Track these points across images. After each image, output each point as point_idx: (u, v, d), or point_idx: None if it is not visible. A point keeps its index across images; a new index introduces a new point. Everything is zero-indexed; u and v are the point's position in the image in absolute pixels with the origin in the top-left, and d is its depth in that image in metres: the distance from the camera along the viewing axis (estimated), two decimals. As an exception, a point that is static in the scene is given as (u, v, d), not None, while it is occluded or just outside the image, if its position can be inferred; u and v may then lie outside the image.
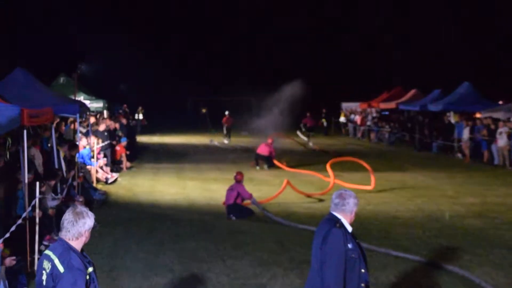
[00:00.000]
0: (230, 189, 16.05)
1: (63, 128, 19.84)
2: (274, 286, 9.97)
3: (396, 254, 11.77)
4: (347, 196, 5.99)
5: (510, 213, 16.25)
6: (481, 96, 32.91)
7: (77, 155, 17.35)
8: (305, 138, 41.11)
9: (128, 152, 25.65)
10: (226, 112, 43.57)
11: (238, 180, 16.20)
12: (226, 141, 40.56)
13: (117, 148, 24.78)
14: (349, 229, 5.92)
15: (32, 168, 12.93)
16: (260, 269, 10.83)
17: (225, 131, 41.87)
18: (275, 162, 25.96)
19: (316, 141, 40.22)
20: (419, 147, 34.73)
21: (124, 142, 25.31)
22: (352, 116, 47.08)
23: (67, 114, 17.11)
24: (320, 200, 18.10)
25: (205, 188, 20.43)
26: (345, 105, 51.81)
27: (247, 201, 16.09)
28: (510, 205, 17.44)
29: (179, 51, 70.35)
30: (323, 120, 48.12)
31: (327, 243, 5.78)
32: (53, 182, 13.25)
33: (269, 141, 26.49)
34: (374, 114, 44.79)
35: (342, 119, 49.03)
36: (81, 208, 5.37)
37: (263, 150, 25.96)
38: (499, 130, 26.96)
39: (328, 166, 21.65)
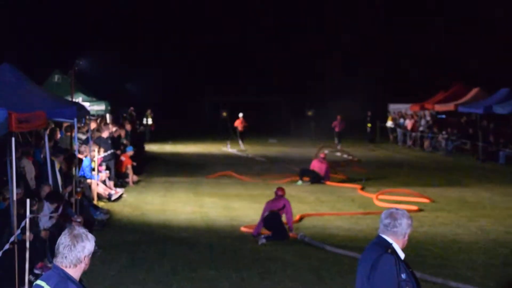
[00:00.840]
0: (272, 204, 16.05)
1: (58, 135, 20.01)
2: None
3: (456, 286, 11.66)
4: (400, 215, 5.93)
5: None
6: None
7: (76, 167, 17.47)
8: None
9: (134, 164, 25.77)
10: (240, 115, 45.12)
11: (280, 196, 16.22)
12: (242, 147, 41.60)
13: (122, 158, 24.91)
14: (402, 255, 5.86)
15: (22, 182, 13.06)
16: (292, 303, 10.81)
17: (238, 136, 43.34)
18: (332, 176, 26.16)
19: (357, 150, 40.05)
20: (483, 157, 34.43)
21: (130, 151, 25.43)
22: (402, 120, 46.84)
23: (62, 119, 17.24)
24: (364, 216, 18.01)
25: (226, 206, 20.44)
26: (393, 107, 51.54)
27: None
28: None
29: (195, 44, 70.62)
30: (368, 124, 47.95)
31: (376, 273, 5.71)
32: (55, 206, 13.36)
33: (322, 155, 26.50)
34: (428, 118, 44.46)
35: (389, 123, 48.81)
36: (80, 230, 5.38)
37: (317, 167, 25.82)
38: None
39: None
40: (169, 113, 61.04)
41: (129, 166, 25.12)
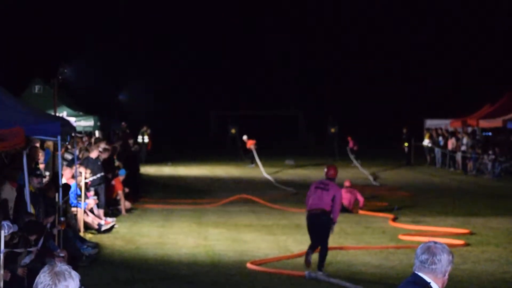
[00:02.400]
0: (321, 187, 16.07)
1: (39, 154, 20.05)
2: None
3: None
4: (439, 250, 5.90)
5: None
6: None
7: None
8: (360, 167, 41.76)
9: (127, 190, 25.82)
10: (245, 137, 46.27)
11: (331, 176, 16.26)
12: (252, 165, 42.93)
13: (113, 183, 24.96)
14: None
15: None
16: None
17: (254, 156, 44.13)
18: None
19: (388, 174, 40.01)
20: (537, 182, 34.35)
21: (122, 175, 25.46)
22: (441, 138, 46.75)
23: (44, 137, 17.29)
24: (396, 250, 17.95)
25: (234, 239, 20.43)
26: (430, 123, 51.46)
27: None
28: None
29: (198, 50, 70.74)
30: (405, 144, 47.78)
31: None
32: (34, 238, 13.38)
33: (347, 183, 26.16)
34: (472, 136, 44.40)
35: (426, 142, 48.71)
36: (62, 267, 5.36)
37: (344, 199, 25.38)
38: None
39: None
40: (169, 130, 61.07)
41: (120, 192, 25.14)
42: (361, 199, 25.86)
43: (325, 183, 16.17)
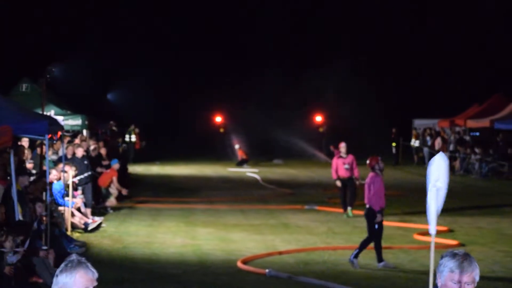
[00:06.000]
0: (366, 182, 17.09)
1: (25, 153, 19.99)
2: None
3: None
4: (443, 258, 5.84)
5: None
6: None
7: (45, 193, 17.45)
8: None
9: (124, 192, 26.26)
10: (237, 146, 47.36)
11: (372, 166, 17.10)
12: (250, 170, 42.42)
13: (107, 171, 25.34)
14: None
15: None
16: None
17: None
18: None
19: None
20: (524, 182, 34.47)
21: (116, 164, 25.76)
22: (428, 138, 46.82)
23: (32, 135, 17.24)
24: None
25: (223, 238, 20.43)
26: (418, 123, 51.54)
27: None
28: None
29: (190, 49, 70.25)
30: (393, 144, 47.88)
31: None
32: (20, 238, 13.34)
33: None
34: (459, 136, 44.50)
35: (414, 142, 48.78)
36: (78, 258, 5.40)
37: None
38: None
39: None
40: (157, 129, 60.81)
41: (115, 178, 25.32)
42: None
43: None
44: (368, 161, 17.40)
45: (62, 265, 5.44)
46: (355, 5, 69.92)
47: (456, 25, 64.83)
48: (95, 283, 5.38)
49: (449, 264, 5.64)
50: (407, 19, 68.50)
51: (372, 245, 16.82)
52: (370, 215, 16.79)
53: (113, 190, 25.39)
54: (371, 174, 17.06)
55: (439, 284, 5.75)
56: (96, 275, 5.52)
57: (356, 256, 16.54)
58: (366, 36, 68.22)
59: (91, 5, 69.22)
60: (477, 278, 5.52)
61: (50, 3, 64.03)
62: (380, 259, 16.60)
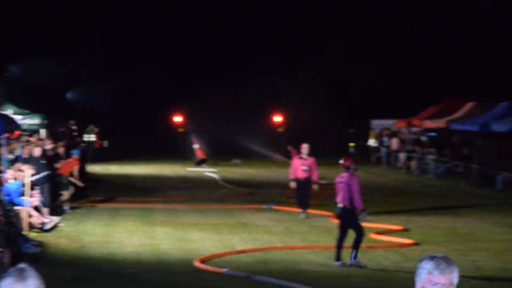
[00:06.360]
0: (340, 182, 17.04)
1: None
2: None
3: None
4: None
5: None
6: None
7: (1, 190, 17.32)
8: None
9: (81, 184, 26.20)
10: (196, 146, 47.29)
11: (346, 166, 17.12)
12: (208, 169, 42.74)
13: (69, 159, 25.56)
14: None
15: None
16: None
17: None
18: None
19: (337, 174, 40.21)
20: (478, 182, 34.77)
21: (76, 155, 25.83)
22: (386, 138, 47.12)
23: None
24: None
25: (181, 237, 20.40)
26: (376, 123, 51.83)
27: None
28: None
29: (155, 49, 69.64)
30: (351, 144, 48.19)
31: None
32: None
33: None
34: (416, 136, 44.85)
35: (371, 142, 49.07)
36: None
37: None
38: None
39: None
40: (118, 128, 60.40)
41: (76, 167, 25.33)
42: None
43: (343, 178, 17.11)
44: (342, 161, 17.47)
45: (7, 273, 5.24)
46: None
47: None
48: None
49: (427, 266, 5.56)
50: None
51: (335, 243, 16.93)
52: (348, 214, 16.82)
53: (73, 180, 25.49)
54: (346, 174, 17.08)
55: None
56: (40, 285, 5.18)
57: (355, 257, 16.61)
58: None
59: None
60: (456, 281, 5.50)
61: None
62: (338, 257, 16.71)
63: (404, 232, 21.45)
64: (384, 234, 20.66)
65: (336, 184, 17.29)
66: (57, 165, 25.23)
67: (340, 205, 16.98)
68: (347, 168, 17.16)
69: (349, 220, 16.89)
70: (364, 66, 64.02)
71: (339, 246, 16.82)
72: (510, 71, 57.61)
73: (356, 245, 16.75)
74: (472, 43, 61.69)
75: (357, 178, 17.14)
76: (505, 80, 54.23)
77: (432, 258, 5.56)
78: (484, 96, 42.30)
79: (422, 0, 68.62)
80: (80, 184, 26.16)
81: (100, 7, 69.80)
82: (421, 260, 5.59)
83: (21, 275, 5.05)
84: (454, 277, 5.46)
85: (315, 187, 24.78)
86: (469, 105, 41.95)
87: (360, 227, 16.84)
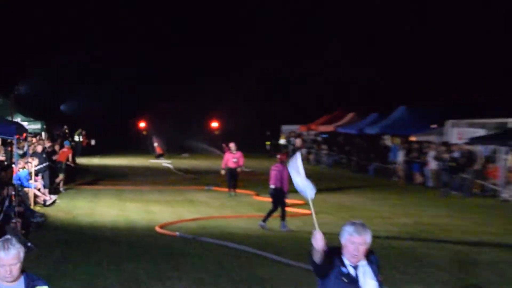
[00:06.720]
0: (275, 170, 17.10)
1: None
2: (212, 306, 10.05)
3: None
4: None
5: (440, 233, 16.79)
6: (416, 119, 33.85)
7: (14, 176, 17.08)
8: None
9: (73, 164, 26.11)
10: (156, 144, 46.34)
11: (282, 160, 17.36)
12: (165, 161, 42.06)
13: (64, 150, 25.45)
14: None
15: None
16: (199, 290, 10.90)
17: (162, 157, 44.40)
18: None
19: (258, 164, 40.49)
20: (356, 170, 35.35)
21: (67, 145, 25.69)
22: (292, 138, 47.56)
23: (3, 136, 16.86)
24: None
25: (145, 210, 20.35)
26: (285, 128, 52.24)
27: None
28: (441, 226, 18.01)
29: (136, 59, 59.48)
30: (267, 142, 48.59)
31: None
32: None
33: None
34: (313, 137, 45.39)
35: (282, 141, 49.47)
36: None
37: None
38: (430, 153, 27.82)
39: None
40: (101, 130, 58.81)
41: (70, 155, 25.84)
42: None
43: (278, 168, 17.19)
44: (279, 156, 18.09)
45: None
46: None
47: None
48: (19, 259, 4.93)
49: (348, 229, 5.59)
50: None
51: (264, 213, 17.30)
52: (279, 193, 17.01)
53: (69, 163, 25.75)
54: (279, 165, 17.26)
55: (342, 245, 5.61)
56: (20, 253, 4.92)
57: (264, 220, 16.89)
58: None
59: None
60: (369, 240, 5.52)
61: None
62: (264, 220, 16.94)
63: (305, 205, 21.65)
64: (292, 207, 20.89)
65: (271, 171, 17.35)
66: (54, 158, 24.92)
67: (273, 186, 17.17)
68: (281, 161, 17.38)
69: (279, 197, 17.05)
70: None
71: (269, 215, 17.02)
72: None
73: (283, 216, 16.91)
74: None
75: (287, 169, 17.13)
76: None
77: (353, 223, 5.66)
78: (360, 109, 42.79)
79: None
80: (73, 165, 26.77)
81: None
82: (344, 225, 5.67)
83: (4, 245, 4.86)
84: (368, 238, 5.56)
85: (239, 170, 24.89)
86: (350, 115, 42.69)
87: (284, 203, 17.09)
